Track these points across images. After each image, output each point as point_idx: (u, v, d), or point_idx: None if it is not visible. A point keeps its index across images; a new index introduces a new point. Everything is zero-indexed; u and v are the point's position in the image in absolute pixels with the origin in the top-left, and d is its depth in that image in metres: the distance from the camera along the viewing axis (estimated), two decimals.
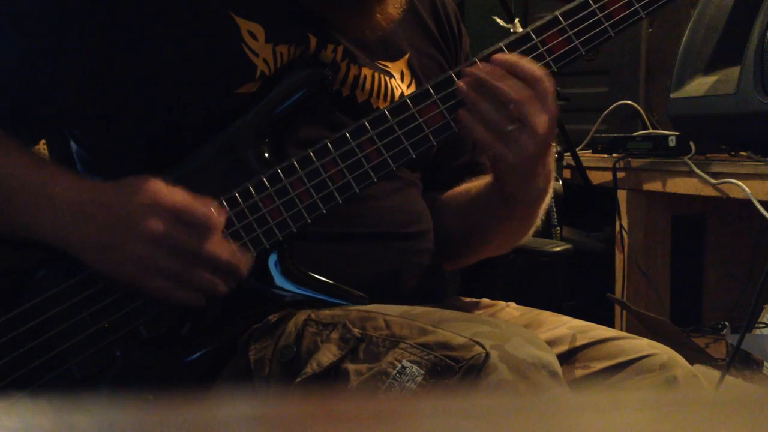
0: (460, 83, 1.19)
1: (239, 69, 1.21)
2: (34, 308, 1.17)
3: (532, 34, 1.23)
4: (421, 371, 1.05)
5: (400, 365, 1.06)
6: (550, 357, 1.07)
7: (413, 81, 1.35)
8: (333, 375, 1.10)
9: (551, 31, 1.23)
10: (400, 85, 1.33)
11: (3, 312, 1.17)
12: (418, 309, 1.17)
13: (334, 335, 1.13)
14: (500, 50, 1.22)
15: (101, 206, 1.14)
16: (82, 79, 1.21)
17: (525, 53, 1.23)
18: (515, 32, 2.55)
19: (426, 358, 1.06)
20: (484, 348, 1.04)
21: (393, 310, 1.16)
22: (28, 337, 1.16)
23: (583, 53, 1.24)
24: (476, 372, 1.03)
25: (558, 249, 1.76)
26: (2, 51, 1.23)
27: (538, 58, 1.23)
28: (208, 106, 1.21)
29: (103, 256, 1.15)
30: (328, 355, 1.11)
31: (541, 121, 1.20)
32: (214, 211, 1.14)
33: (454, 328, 1.09)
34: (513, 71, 1.18)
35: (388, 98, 1.30)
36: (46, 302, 1.17)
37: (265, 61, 1.22)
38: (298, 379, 1.10)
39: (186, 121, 1.22)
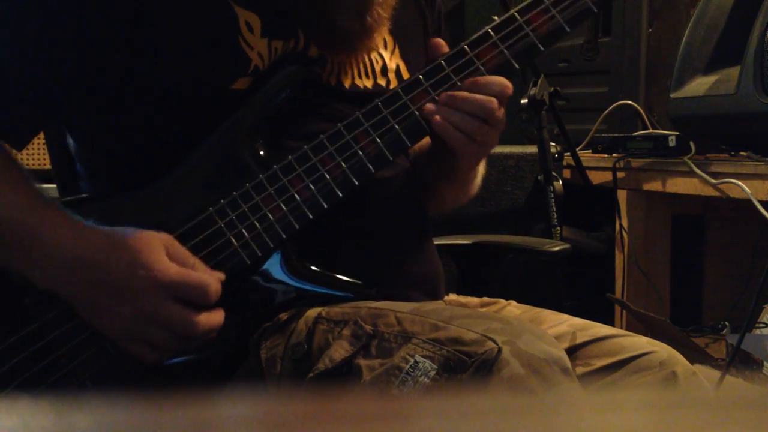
0: (428, 106, 1.22)
1: (234, 62, 1.21)
2: (44, 325, 1.16)
3: (517, 16, 1.25)
4: (434, 366, 1.06)
5: (413, 360, 1.07)
6: (561, 353, 1.07)
7: (396, 47, 1.35)
8: (345, 371, 1.10)
9: (535, 11, 1.25)
10: (384, 54, 1.33)
11: (16, 330, 1.16)
12: (429, 306, 1.18)
13: (346, 332, 1.13)
14: (487, 34, 1.24)
15: (94, 269, 1.12)
16: (77, 71, 1.20)
17: (511, 34, 1.24)
18: None
19: (439, 353, 1.06)
20: (496, 343, 1.05)
21: (403, 306, 1.16)
22: (41, 354, 1.16)
23: (569, 30, 1.26)
24: (489, 367, 1.03)
25: (557, 249, 1.76)
26: None
27: (524, 39, 1.25)
28: (201, 100, 1.21)
29: (90, 312, 1.14)
30: (340, 351, 1.11)
31: (503, 117, 1.26)
32: (209, 282, 1.12)
33: (465, 324, 1.09)
34: (486, 89, 1.23)
35: (370, 74, 1.31)
36: (57, 318, 1.16)
37: (260, 55, 1.22)
38: (311, 375, 1.11)
39: (179, 117, 1.21)
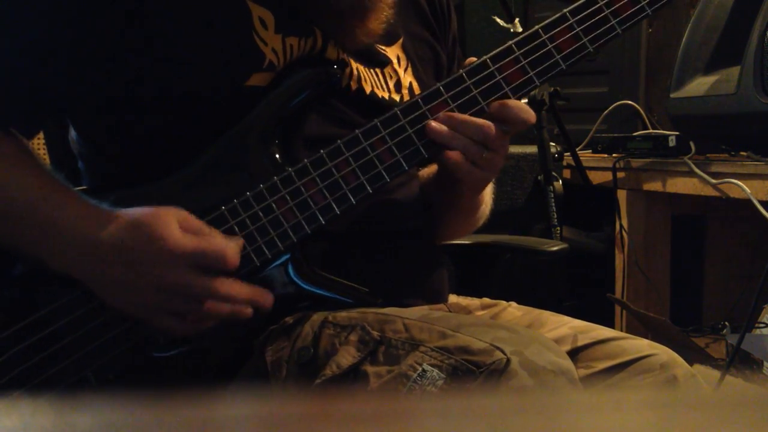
0: (432, 124, 1.20)
1: (248, 57, 1.20)
2: (48, 316, 1.16)
3: (541, 32, 1.23)
4: (442, 375, 1.05)
5: (420, 368, 1.06)
6: (569, 364, 1.07)
7: (409, 65, 1.35)
8: (352, 377, 1.10)
9: (559, 29, 1.23)
10: (398, 70, 1.33)
11: (18, 319, 1.16)
12: (436, 313, 1.18)
13: (353, 337, 1.13)
14: (510, 49, 1.23)
15: (113, 247, 1.11)
16: (86, 67, 1.19)
17: (534, 50, 1.23)
18: (515, 32, 2.55)
19: (447, 362, 1.06)
20: (504, 353, 1.04)
21: (411, 313, 1.16)
22: (43, 345, 1.16)
23: (592, 50, 1.24)
24: (497, 377, 1.03)
25: (555, 248, 1.76)
26: (3, 33, 1.21)
27: (546, 56, 1.23)
28: (215, 97, 1.20)
29: (112, 293, 1.14)
30: (347, 357, 1.11)
31: (508, 144, 1.25)
32: (226, 247, 1.12)
33: (473, 332, 1.09)
34: (510, 113, 1.21)
35: (385, 88, 1.30)
36: (60, 310, 1.16)
37: (274, 51, 1.21)
38: (318, 381, 1.10)
39: (193, 114, 1.20)
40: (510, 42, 1.23)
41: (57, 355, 1.16)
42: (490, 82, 1.22)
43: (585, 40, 1.24)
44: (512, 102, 1.21)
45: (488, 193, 1.41)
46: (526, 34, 1.24)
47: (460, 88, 1.22)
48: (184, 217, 1.12)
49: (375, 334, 1.12)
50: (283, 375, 1.14)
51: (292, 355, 1.15)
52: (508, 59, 1.23)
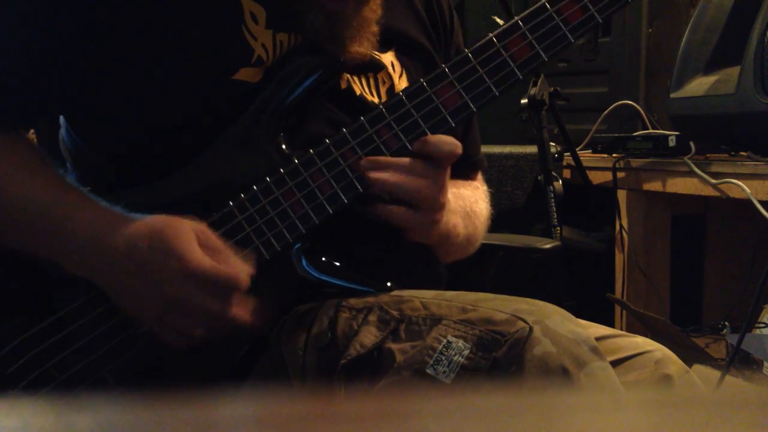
0: (373, 176, 1.18)
1: (236, 51, 1.20)
2: (66, 316, 1.16)
3: (547, 5, 1.21)
4: (468, 345, 1.06)
5: (445, 340, 1.07)
6: (588, 333, 1.08)
7: (404, 71, 1.33)
8: (377, 355, 1.10)
9: (566, 1, 1.21)
10: (392, 75, 1.32)
11: (36, 321, 1.16)
12: (450, 293, 1.18)
13: (372, 318, 1.13)
14: (516, 25, 1.21)
15: (125, 252, 1.11)
16: (76, 61, 1.19)
17: (540, 25, 1.20)
18: None
19: (471, 332, 1.07)
20: (527, 323, 1.05)
21: (425, 294, 1.16)
22: (61, 345, 1.16)
23: (600, 21, 1.21)
24: (522, 345, 1.04)
25: (548, 246, 1.76)
26: None
27: (554, 30, 1.21)
28: (204, 91, 1.19)
29: (120, 296, 1.14)
30: (369, 336, 1.11)
31: (443, 179, 1.22)
32: (240, 273, 1.11)
33: (493, 305, 1.10)
34: (435, 148, 1.19)
35: (375, 94, 1.29)
36: (78, 310, 1.16)
37: (263, 46, 1.21)
38: (343, 361, 1.11)
39: (183, 109, 1.19)
40: (516, 18, 1.21)
41: (76, 356, 1.16)
42: (497, 61, 1.20)
43: (593, 10, 1.21)
44: (432, 138, 1.19)
45: (478, 226, 1.38)
46: (532, 9, 1.21)
47: (465, 69, 1.20)
48: (203, 232, 1.12)
49: (394, 312, 1.12)
50: (301, 362, 1.14)
51: (309, 341, 1.15)
52: (514, 36, 1.20)
